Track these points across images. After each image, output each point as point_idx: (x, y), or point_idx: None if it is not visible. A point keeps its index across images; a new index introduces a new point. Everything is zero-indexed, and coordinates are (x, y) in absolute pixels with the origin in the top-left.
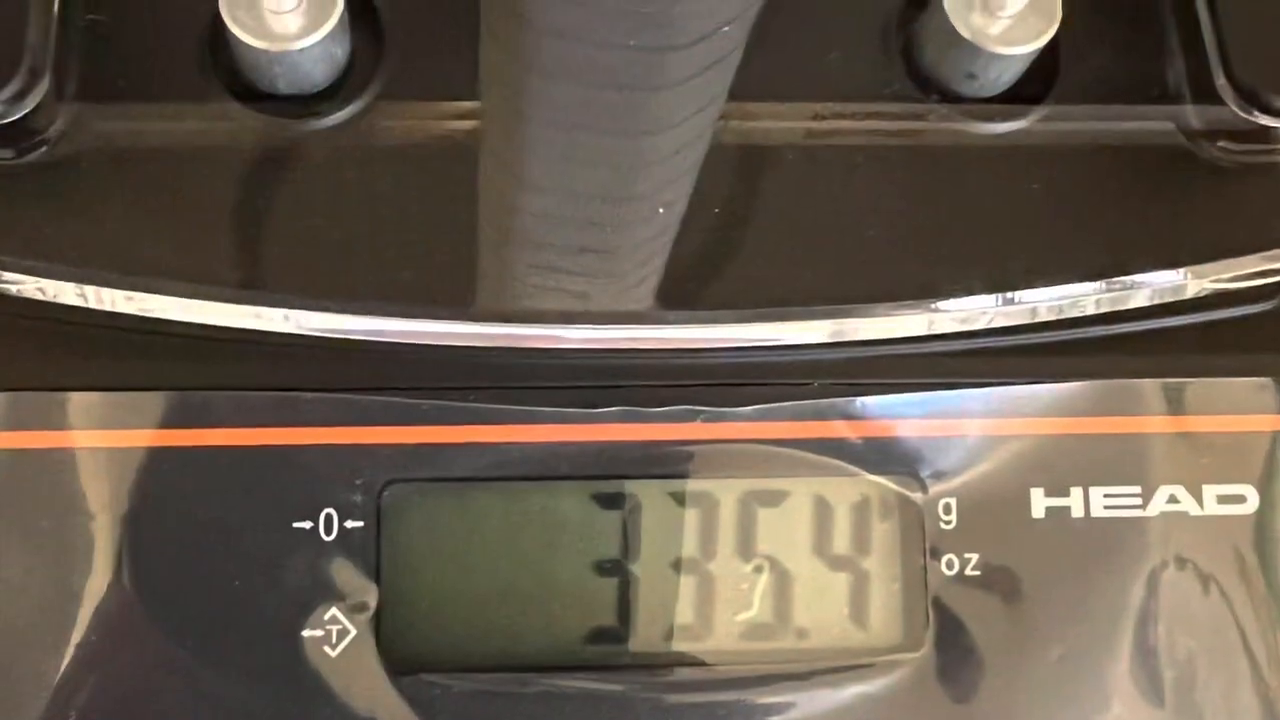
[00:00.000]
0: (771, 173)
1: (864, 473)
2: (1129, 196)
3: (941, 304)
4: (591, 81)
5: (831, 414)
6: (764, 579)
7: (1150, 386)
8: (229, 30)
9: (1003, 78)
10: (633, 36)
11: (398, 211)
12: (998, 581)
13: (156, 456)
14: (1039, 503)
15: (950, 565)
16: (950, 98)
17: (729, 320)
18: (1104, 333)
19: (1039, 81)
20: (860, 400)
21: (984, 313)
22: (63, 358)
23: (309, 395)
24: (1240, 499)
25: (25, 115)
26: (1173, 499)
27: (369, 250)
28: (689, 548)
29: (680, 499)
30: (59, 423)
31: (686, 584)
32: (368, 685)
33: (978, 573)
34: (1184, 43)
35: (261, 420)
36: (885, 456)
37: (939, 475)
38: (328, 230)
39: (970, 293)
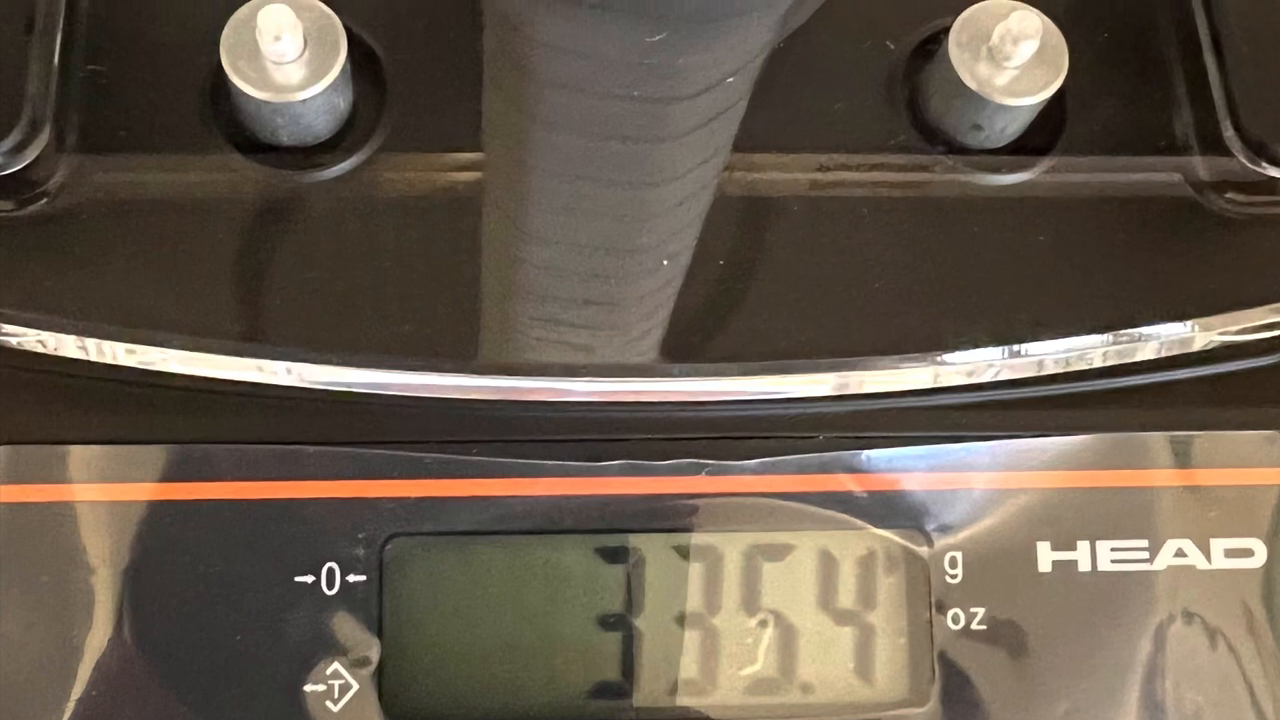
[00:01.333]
0: (776, 225)
1: (869, 526)
2: (1136, 248)
3: (947, 357)
4: (595, 133)
5: (836, 467)
6: (769, 633)
7: (1157, 440)
8: (231, 81)
9: (1009, 129)
10: (636, 88)
11: (400, 264)
12: (1004, 636)
13: (158, 510)
14: (1045, 556)
15: (956, 619)
16: (956, 149)
17: (733, 373)
18: (1111, 385)
19: (1046, 133)
20: (865, 454)
21: (990, 365)
22: (64, 411)
23: (311, 449)
24: (1248, 553)
25: (26, 167)
26: (1180, 553)
27: (371, 303)
28: (693, 602)
29: (684, 553)
30: (60, 476)
31: (691, 638)
32: None
33: (984, 627)
34: (1191, 94)
35: (263, 474)
36: (891, 510)
37: (945, 529)
38: (330, 282)
39: (976, 345)
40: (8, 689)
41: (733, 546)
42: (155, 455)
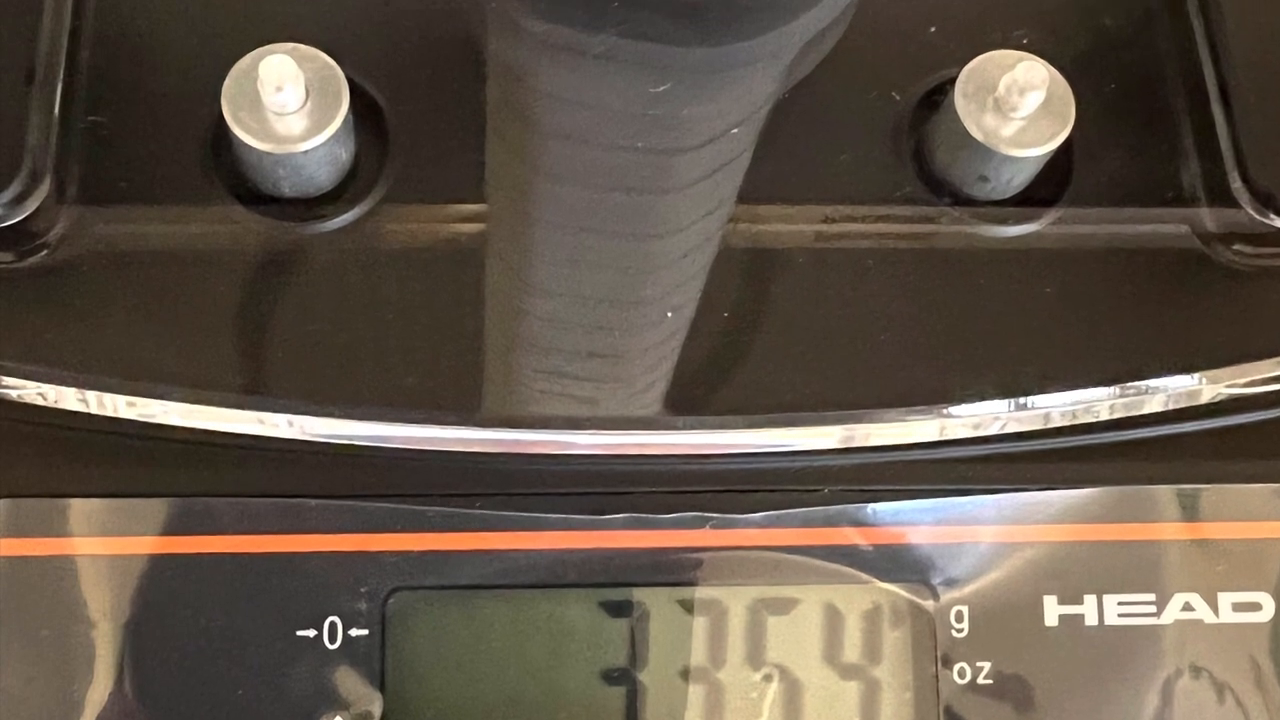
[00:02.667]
0: (781, 276)
1: (875, 580)
2: (1143, 300)
3: (954, 409)
4: (599, 184)
5: (842, 521)
6: (774, 688)
7: (1165, 493)
8: (232, 132)
9: (1015, 180)
10: (640, 139)
11: (403, 316)
12: (1010, 690)
13: (159, 564)
14: (1052, 610)
15: (962, 674)
16: (962, 200)
17: (738, 426)
18: (1118, 438)
19: (1052, 184)
20: (871, 507)
21: (996, 418)
22: (64, 464)
23: (313, 502)
24: (1256, 607)
25: (26, 218)
26: (1187, 607)
27: (374, 355)
28: (698, 656)
29: (689, 607)
30: (60, 529)
31: (695, 693)
32: None
33: (990, 681)
34: (1199, 145)
35: (265, 527)
36: (896, 564)
37: (951, 583)
38: (332, 335)
39: (983, 398)
40: None
41: (737, 600)
42: (156, 508)
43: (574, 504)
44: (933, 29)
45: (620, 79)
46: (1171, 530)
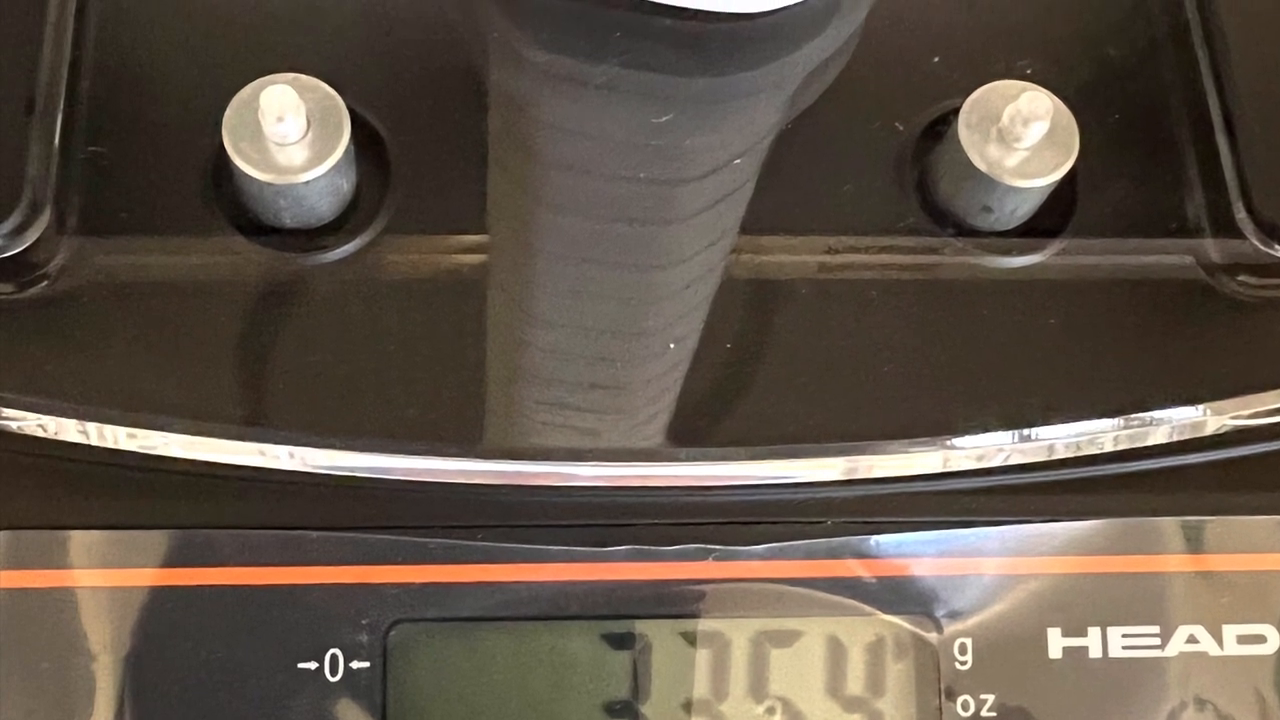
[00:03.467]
0: (784, 308)
1: (878, 612)
2: (1147, 332)
3: (957, 441)
4: (601, 215)
5: (845, 553)
6: None
7: (1169, 525)
8: (233, 163)
9: (1019, 211)
10: (643, 169)
11: (404, 347)
12: None
13: (159, 596)
14: (1056, 643)
15: (966, 706)
16: (966, 231)
17: (741, 458)
18: (1122, 470)
19: (1056, 215)
20: (874, 539)
21: (1000, 450)
22: (64, 496)
23: (314, 534)
24: (1260, 639)
25: (26, 249)
26: (1192, 639)
27: (375, 387)
28: (700, 688)
29: (691, 639)
30: (60, 562)
31: None
32: None
33: (994, 714)
34: (1203, 176)
35: (266, 559)
36: (900, 596)
37: (954, 615)
38: (333, 366)
39: (986, 430)
40: None
41: (740, 633)
42: (157, 540)
43: (576, 536)
44: (936, 59)
45: (622, 109)
46: (1176, 562)
